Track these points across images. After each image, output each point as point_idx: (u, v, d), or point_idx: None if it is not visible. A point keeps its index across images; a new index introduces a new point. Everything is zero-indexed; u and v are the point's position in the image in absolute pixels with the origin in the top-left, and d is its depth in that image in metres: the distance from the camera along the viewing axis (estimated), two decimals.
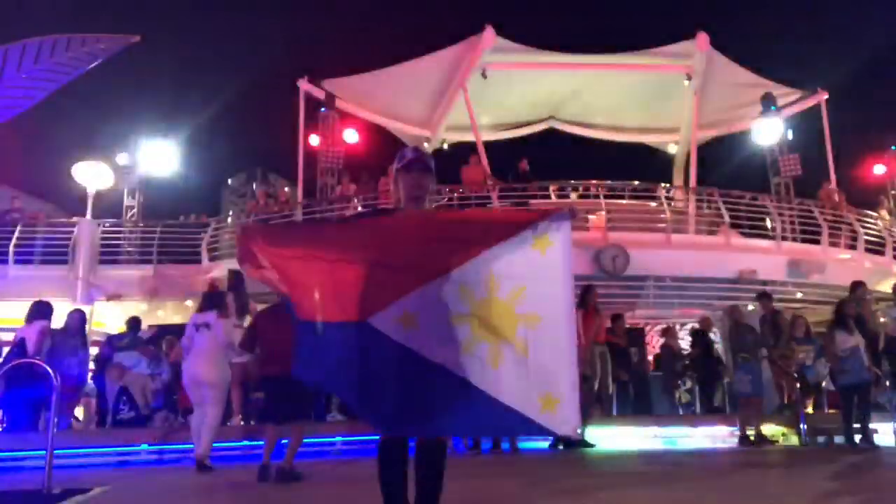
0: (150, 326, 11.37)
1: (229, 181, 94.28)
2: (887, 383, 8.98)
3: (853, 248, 13.09)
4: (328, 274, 2.80)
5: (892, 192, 16.95)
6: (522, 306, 2.84)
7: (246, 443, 8.60)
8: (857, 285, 9.89)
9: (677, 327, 13.32)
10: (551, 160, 18.32)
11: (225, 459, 7.68)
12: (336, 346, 2.77)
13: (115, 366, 9.48)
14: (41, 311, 8.67)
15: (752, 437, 8.90)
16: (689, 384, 11.54)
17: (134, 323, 10.40)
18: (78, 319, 9.36)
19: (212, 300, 6.90)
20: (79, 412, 10.65)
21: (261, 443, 8.56)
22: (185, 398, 9.03)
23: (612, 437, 9.25)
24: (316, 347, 2.77)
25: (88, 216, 14.44)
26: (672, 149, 17.57)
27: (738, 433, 9.10)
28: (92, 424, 10.39)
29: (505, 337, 2.79)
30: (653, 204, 13.14)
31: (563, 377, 2.79)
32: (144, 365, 9.62)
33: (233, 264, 11.82)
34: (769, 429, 9.30)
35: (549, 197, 13.28)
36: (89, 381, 10.14)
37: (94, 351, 10.80)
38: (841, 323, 8.52)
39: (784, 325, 10.06)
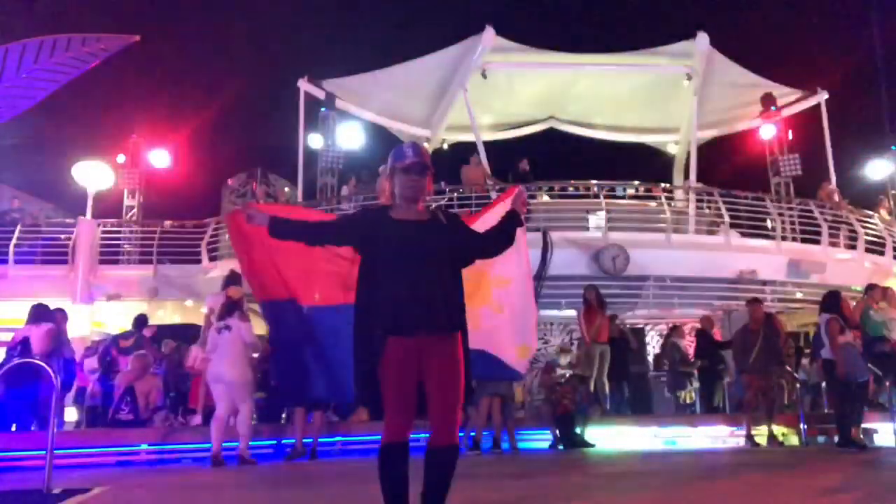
0: (148, 327, 11.37)
1: (229, 181, 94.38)
2: (887, 383, 8.96)
3: (853, 248, 13.10)
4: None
5: (893, 191, 16.93)
6: (495, 270, 3.32)
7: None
8: (871, 287, 9.77)
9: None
10: (551, 160, 18.32)
11: (225, 460, 7.68)
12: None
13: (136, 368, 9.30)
14: (47, 312, 8.68)
15: (756, 438, 8.87)
16: (695, 384, 11.44)
17: (140, 321, 10.35)
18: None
19: (231, 307, 7.37)
20: (73, 414, 10.55)
21: (261, 443, 8.64)
22: (194, 398, 9.01)
23: (612, 437, 9.25)
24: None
25: (88, 216, 14.45)
26: (672, 149, 17.56)
27: (738, 433, 9.08)
28: (83, 425, 10.35)
29: (482, 302, 3.28)
30: (653, 204, 13.15)
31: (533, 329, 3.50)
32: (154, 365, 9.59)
33: (233, 264, 11.80)
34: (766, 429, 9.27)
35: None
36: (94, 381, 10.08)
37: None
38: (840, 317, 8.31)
39: (781, 327, 10.04)
